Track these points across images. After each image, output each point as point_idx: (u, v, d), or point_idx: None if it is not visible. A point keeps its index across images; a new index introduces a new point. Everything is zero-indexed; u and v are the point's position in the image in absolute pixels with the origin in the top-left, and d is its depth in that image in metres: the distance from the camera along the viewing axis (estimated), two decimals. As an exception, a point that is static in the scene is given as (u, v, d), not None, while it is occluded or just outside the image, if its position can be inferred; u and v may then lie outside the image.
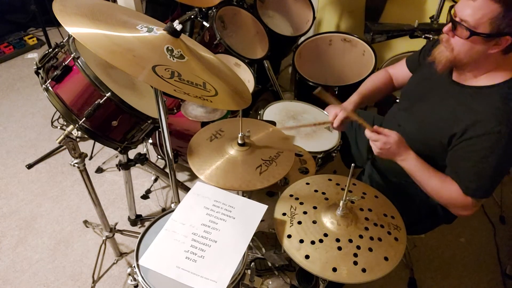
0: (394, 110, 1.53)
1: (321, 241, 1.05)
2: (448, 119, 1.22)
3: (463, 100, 1.20)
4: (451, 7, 1.14)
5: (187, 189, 2.08)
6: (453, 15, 1.12)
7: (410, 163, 1.27)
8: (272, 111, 1.82)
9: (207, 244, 1.06)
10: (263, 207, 1.15)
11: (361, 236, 1.07)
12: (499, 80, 1.14)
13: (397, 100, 1.57)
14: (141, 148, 2.33)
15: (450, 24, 1.13)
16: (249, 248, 1.68)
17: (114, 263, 1.84)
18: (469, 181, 1.19)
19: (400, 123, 1.44)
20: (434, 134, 1.26)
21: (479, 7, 1.05)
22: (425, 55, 1.38)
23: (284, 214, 1.14)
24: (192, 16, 2.27)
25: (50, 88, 1.29)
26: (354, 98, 1.52)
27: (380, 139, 1.27)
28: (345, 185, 1.06)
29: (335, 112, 1.46)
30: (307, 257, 1.02)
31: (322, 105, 1.89)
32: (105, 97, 1.26)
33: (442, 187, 1.24)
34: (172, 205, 1.30)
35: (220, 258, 1.03)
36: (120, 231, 1.81)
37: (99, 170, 2.31)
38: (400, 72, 1.55)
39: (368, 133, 1.31)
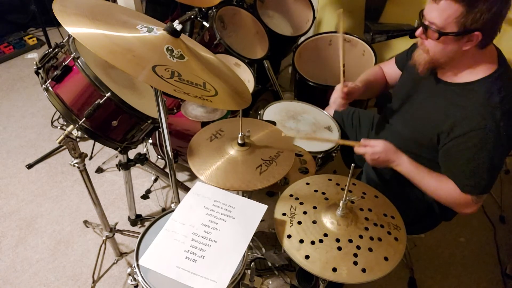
0: (387, 110, 1.54)
1: (321, 241, 1.05)
2: (436, 117, 1.23)
3: (449, 97, 1.22)
4: (421, 11, 1.17)
5: (187, 189, 2.08)
6: (422, 19, 1.16)
7: (404, 167, 1.29)
8: (272, 111, 1.82)
9: (207, 244, 1.06)
10: (263, 207, 1.15)
11: (361, 236, 1.07)
12: (481, 75, 1.16)
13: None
14: (141, 148, 2.33)
15: (421, 28, 1.16)
16: (249, 248, 1.68)
17: (114, 263, 1.84)
18: (465, 179, 1.20)
19: (392, 122, 1.45)
20: (423, 132, 1.28)
21: (443, 9, 1.08)
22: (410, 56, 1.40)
23: (284, 214, 1.14)
24: (192, 16, 2.27)
25: (50, 88, 1.29)
26: (358, 83, 1.54)
27: (367, 151, 1.32)
28: (345, 185, 1.06)
29: (344, 84, 1.48)
30: (307, 257, 1.02)
31: (322, 105, 1.89)
32: (105, 97, 1.26)
33: (439, 187, 1.25)
34: (172, 205, 1.30)
35: (220, 258, 1.03)
36: (120, 231, 1.81)
37: (99, 170, 2.31)
38: (391, 70, 1.57)
39: (356, 149, 1.35)
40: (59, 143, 1.26)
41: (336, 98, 1.49)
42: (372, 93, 1.64)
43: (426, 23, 1.14)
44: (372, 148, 1.31)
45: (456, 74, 1.21)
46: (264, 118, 1.76)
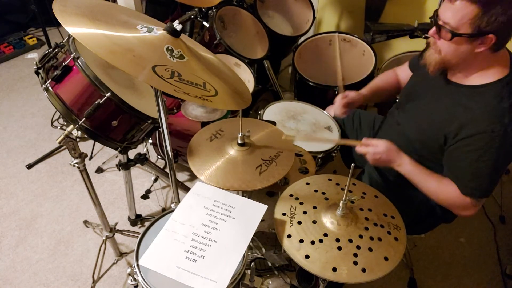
0: (394, 109, 1.54)
1: (321, 241, 1.05)
2: (444, 118, 1.23)
3: (458, 99, 1.21)
4: (436, 10, 1.16)
5: (187, 189, 2.08)
6: (437, 19, 1.15)
7: (406, 167, 1.29)
8: (272, 111, 1.82)
9: (207, 244, 1.06)
10: (263, 207, 1.15)
11: (361, 236, 1.07)
12: (492, 79, 1.15)
13: (397, 100, 1.58)
14: (141, 148, 2.33)
15: (434, 28, 1.16)
16: (249, 248, 1.68)
17: (114, 263, 1.84)
18: (467, 181, 1.19)
19: (399, 122, 1.45)
20: (431, 133, 1.27)
21: (458, 9, 1.07)
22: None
23: (284, 214, 1.14)
24: (192, 16, 2.26)
25: (50, 88, 1.29)
26: (363, 91, 1.56)
27: (369, 151, 1.32)
28: (345, 185, 1.06)
29: (345, 94, 1.51)
30: (307, 257, 1.02)
31: (322, 105, 1.89)
32: (105, 97, 1.26)
33: (439, 189, 1.24)
34: (172, 205, 1.30)
35: (220, 258, 1.03)
36: (120, 231, 1.81)
37: (99, 170, 2.31)
38: (405, 73, 1.57)
39: (357, 148, 1.35)
40: (59, 143, 1.26)
41: (336, 108, 1.54)
42: (382, 98, 1.65)
43: (440, 22, 1.12)
44: (374, 148, 1.31)
45: (467, 76, 1.20)
46: (264, 118, 1.76)
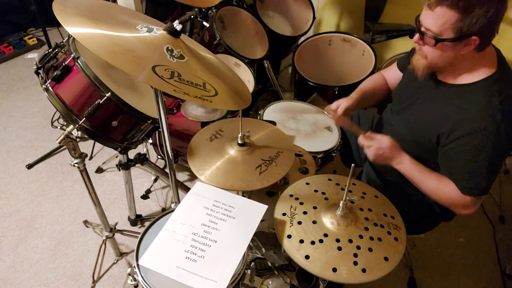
0: (387, 111, 1.54)
1: (321, 241, 1.05)
2: (436, 119, 1.23)
3: (449, 99, 1.22)
4: (417, 17, 1.16)
5: (187, 189, 2.08)
6: (419, 25, 1.15)
7: (405, 166, 1.29)
8: (272, 111, 1.82)
9: (207, 244, 1.06)
10: (263, 207, 1.15)
11: (361, 236, 1.07)
12: (481, 77, 1.16)
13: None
14: (141, 148, 2.33)
15: (418, 34, 1.16)
16: (249, 248, 1.68)
17: (114, 263, 1.84)
18: (464, 181, 1.20)
19: (393, 123, 1.45)
20: (424, 133, 1.28)
21: (438, 16, 1.07)
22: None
23: (284, 214, 1.14)
24: (192, 16, 2.26)
25: (50, 88, 1.29)
26: (353, 95, 1.52)
27: (373, 145, 1.30)
28: (345, 185, 1.06)
29: (338, 103, 1.46)
30: (307, 257, 1.02)
31: (322, 105, 1.90)
32: (105, 97, 1.26)
33: (439, 188, 1.25)
34: (172, 205, 1.30)
35: (220, 258, 1.03)
36: (120, 231, 1.81)
37: (99, 170, 2.31)
38: (393, 74, 1.57)
39: (361, 139, 1.33)
40: (59, 143, 1.26)
41: (336, 121, 1.50)
42: (372, 101, 1.62)
43: (423, 29, 1.13)
44: (378, 143, 1.29)
45: (456, 76, 1.21)
46: (264, 118, 1.76)
